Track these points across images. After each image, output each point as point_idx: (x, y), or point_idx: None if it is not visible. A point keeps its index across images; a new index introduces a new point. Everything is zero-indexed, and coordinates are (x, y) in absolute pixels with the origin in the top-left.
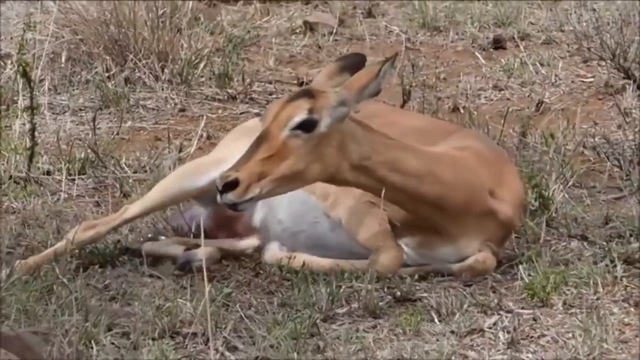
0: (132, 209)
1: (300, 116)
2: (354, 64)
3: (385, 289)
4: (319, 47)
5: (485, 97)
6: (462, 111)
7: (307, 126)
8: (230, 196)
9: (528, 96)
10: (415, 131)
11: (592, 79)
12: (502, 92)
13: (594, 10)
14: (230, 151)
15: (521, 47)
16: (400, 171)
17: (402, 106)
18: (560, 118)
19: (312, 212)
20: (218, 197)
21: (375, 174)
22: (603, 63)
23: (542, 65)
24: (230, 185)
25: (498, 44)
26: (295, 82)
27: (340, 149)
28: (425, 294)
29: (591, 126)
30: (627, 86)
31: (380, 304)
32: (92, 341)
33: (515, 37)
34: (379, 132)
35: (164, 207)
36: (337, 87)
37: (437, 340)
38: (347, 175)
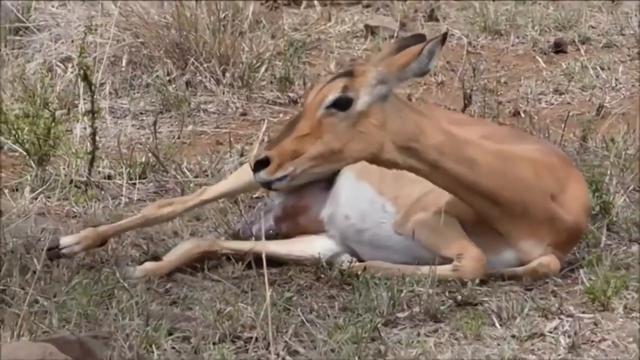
0: (210, 191)
1: (334, 94)
2: (412, 44)
3: (447, 293)
4: (380, 51)
5: (546, 102)
6: (522, 115)
7: (342, 104)
8: (262, 174)
9: (589, 100)
10: (482, 134)
11: None
12: (563, 96)
13: None
14: None
15: (582, 51)
16: (453, 157)
17: (463, 110)
18: (621, 122)
19: (379, 212)
20: (252, 175)
21: (425, 156)
22: None
23: (602, 69)
24: (262, 163)
25: (559, 47)
26: None
27: (383, 127)
28: (486, 298)
29: None
30: None
31: (442, 308)
32: (153, 345)
33: (576, 40)
34: (430, 116)
35: (239, 192)
36: (379, 66)
37: (498, 344)
38: (394, 156)
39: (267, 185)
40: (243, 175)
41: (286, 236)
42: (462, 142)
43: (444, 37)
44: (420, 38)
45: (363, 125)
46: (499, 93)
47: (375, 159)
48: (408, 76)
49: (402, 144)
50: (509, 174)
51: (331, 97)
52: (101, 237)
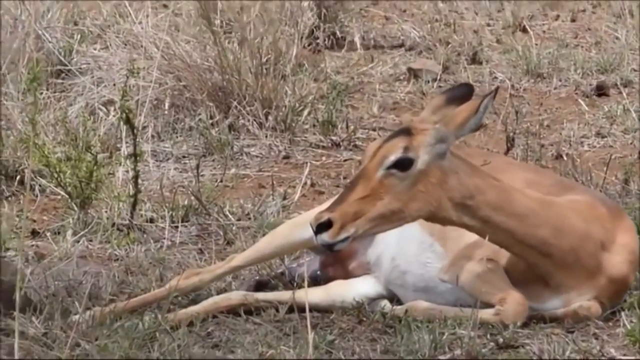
0: (239, 258)
1: (395, 155)
2: (461, 95)
3: (488, 336)
4: (423, 94)
5: (588, 144)
6: (565, 158)
7: (402, 165)
8: (325, 237)
9: (631, 143)
10: (527, 182)
11: None
12: (605, 139)
13: None
14: None
15: (624, 94)
16: (504, 212)
17: (505, 153)
18: None
19: (426, 252)
20: (314, 237)
21: (479, 213)
22: None
23: None
24: (324, 225)
25: (601, 90)
26: None
27: (441, 185)
28: (527, 341)
29: None
30: None
31: (483, 350)
32: None
33: (618, 83)
34: (483, 171)
35: (270, 257)
36: (437, 123)
37: None
38: (450, 214)
39: (329, 247)
40: (273, 240)
41: (331, 280)
42: (513, 197)
43: (495, 91)
44: (467, 88)
45: (423, 185)
46: (541, 136)
47: (432, 217)
48: (465, 133)
49: (459, 202)
50: (561, 225)
51: (392, 157)
52: (118, 315)
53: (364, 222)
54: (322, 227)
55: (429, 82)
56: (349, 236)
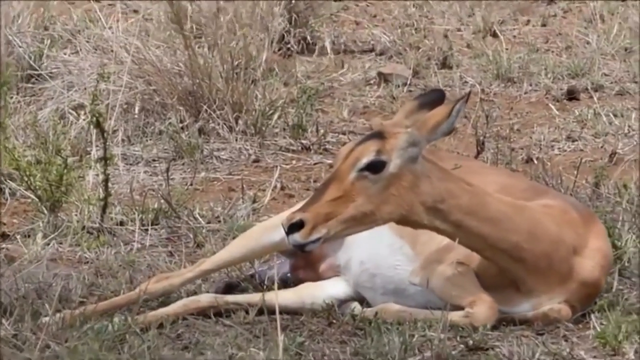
0: (209, 261)
1: (368, 157)
2: (433, 100)
3: (458, 338)
4: (393, 98)
5: (559, 148)
6: (535, 162)
7: (375, 167)
8: (296, 237)
9: (601, 147)
10: (499, 187)
11: None
12: (576, 143)
13: None
14: None
15: (595, 98)
16: (476, 216)
17: (476, 157)
18: (634, 169)
19: (395, 255)
20: (285, 238)
21: (451, 217)
22: None
23: (615, 116)
24: (296, 226)
25: (572, 95)
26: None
27: (413, 189)
28: (497, 343)
29: None
30: None
31: (453, 352)
32: None
33: (589, 88)
34: (455, 175)
35: (241, 261)
36: (409, 128)
37: None
38: (422, 218)
39: (301, 247)
40: (243, 243)
41: (301, 282)
42: (485, 201)
43: (467, 96)
44: (439, 93)
45: (395, 188)
46: (511, 140)
47: (404, 220)
48: (437, 137)
49: (431, 205)
50: (533, 230)
51: (365, 160)
52: (88, 317)
53: (336, 223)
54: (294, 227)
55: (399, 86)
56: (321, 237)
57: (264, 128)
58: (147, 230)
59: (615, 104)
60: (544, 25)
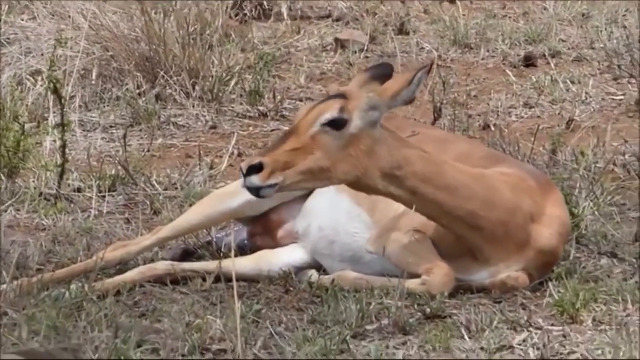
0: (166, 229)
1: (331, 113)
2: (382, 73)
3: (415, 306)
4: (350, 64)
5: (516, 115)
6: (492, 129)
7: (337, 124)
8: (254, 179)
9: (558, 114)
10: (457, 154)
11: (622, 97)
12: (533, 109)
13: (625, 27)
14: None
15: (552, 65)
16: (432, 184)
17: (432, 123)
18: (591, 136)
19: (353, 223)
20: (242, 180)
21: (406, 184)
22: (634, 80)
23: (572, 82)
24: (255, 168)
25: (529, 61)
26: None
27: (370, 154)
28: (455, 311)
29: (621, 144)
30: None
31: (410, 320)
32: (122, 357)
33: (546, 54)
34: (412, 143)
35: (198, 228)
36: (370, 92)
37: (467, 356)
38: (377, 183)
39: (256, 191)
40: (200, 210)
41: (259, 249)
42: (441, 169)
43: (431, 66)
44: (388, 67)
45: (353, 149)
46: (468, 106)
47: (358, 183)
48: (397, 104)
49: (386, 172)
50: (490, 197)
51: (328, 115)
52: (45, 285)
53: (293, 173)
54: (252, 169)
55: (355, 52)
56: (277, 183)
57: (220, 94)
58: (104, 197)
59: (573, 70)
60: None
